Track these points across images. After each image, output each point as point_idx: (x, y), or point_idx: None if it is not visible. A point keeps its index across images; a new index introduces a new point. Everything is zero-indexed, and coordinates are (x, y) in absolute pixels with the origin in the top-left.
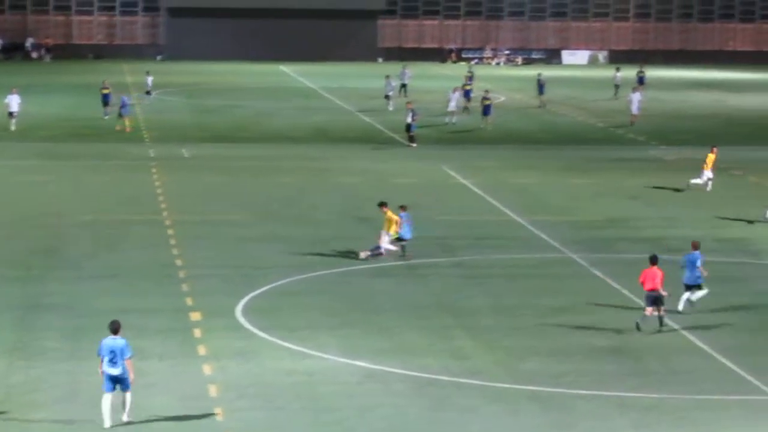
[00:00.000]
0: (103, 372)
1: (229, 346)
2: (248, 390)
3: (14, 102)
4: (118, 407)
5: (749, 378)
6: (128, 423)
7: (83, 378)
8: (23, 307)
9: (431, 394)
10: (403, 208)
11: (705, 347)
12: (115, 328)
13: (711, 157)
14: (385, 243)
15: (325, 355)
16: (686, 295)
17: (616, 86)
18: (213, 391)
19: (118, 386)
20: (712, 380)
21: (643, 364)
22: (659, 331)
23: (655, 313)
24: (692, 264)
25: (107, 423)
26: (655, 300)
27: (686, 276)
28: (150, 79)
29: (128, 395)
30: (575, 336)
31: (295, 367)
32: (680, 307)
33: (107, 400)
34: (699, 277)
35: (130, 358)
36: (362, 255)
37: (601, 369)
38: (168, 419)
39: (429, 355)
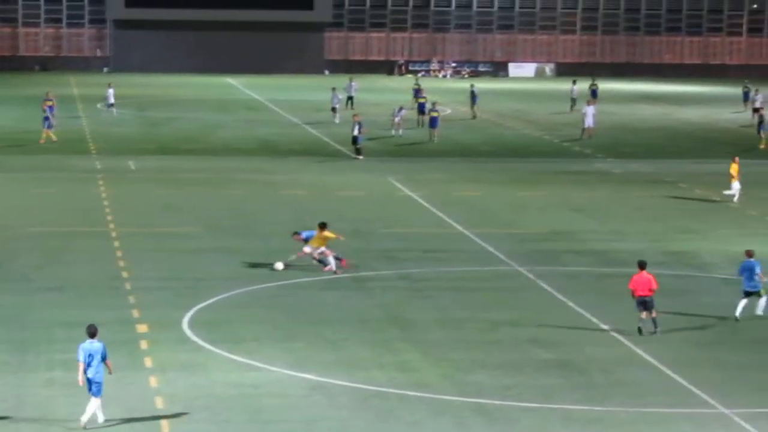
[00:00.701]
0: (86, 376)
1: (176, 358)
2: (195, 402)
3: None
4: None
5: (696, 391)
6: (84, 428)
7: (31, 390)
8: None
9: (377, 407)
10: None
11: (651, 360)
12: (92, 332)
13: (735, 167)
14: (307, 250)
15: (272, 368)
16: (744, 302)
17: (573, 99)
18: (159, 403)
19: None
20: (658, 393)
21: (588, 377)
22: (653, 333)
23: (650, 317)
24: (750, 271)
25: (101, 419)
26: (646, 304)
27: (745, 284)
28: (111, 92)
29: (93, 400)
30: (522, 349)
31: (241, 379)
32: (737, 313)
33: (94, 402)
34: (758, 284)
35: (107, 359)
36: (278, 266)
37: (547, 382)
38: (114, 431)
39: (375, 368)
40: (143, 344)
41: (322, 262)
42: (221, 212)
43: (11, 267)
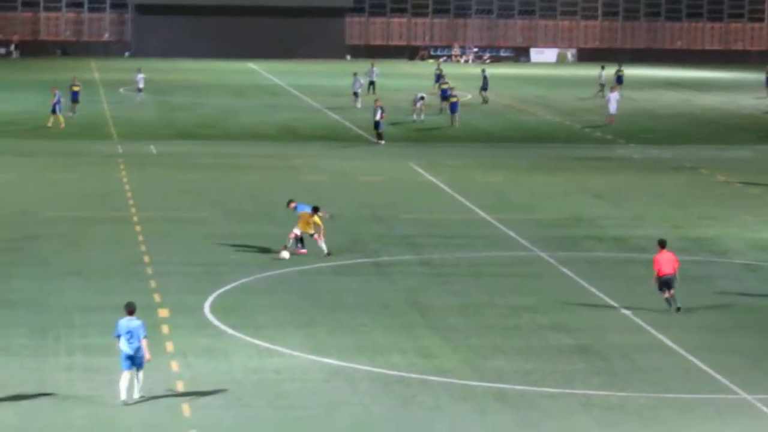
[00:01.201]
0: (121, 351)
1: (197, 343)
2: (215, 387)
3: None
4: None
5: (717, 376)
6: (140, 399)
7: (51, 375)
8: None
9: (398, 392)
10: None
11: (672, 345)
12: (131, 310)
13: None
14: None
15: (292, 353)
16: None
17: (601, 85)
18: (180, 387)
19: (133, 365)
20: (679, 379)
21: (609, 363)
22: (678, 310)
23: (672, 295)
24: None
25: (123, 396)
26: (669, 283)
27: None
28: (141, 77)
29: (141, 374)
30: (542, 334)
31: (262, 364)
32: None
33: (125, 378)
34: None
35: (145, 337)
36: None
37: (567, 367)
38: (135, 416)
39: (396, 353)
40: (164, 329)
41: (301, 242)
42: (241, 197)
43: (31, 252)
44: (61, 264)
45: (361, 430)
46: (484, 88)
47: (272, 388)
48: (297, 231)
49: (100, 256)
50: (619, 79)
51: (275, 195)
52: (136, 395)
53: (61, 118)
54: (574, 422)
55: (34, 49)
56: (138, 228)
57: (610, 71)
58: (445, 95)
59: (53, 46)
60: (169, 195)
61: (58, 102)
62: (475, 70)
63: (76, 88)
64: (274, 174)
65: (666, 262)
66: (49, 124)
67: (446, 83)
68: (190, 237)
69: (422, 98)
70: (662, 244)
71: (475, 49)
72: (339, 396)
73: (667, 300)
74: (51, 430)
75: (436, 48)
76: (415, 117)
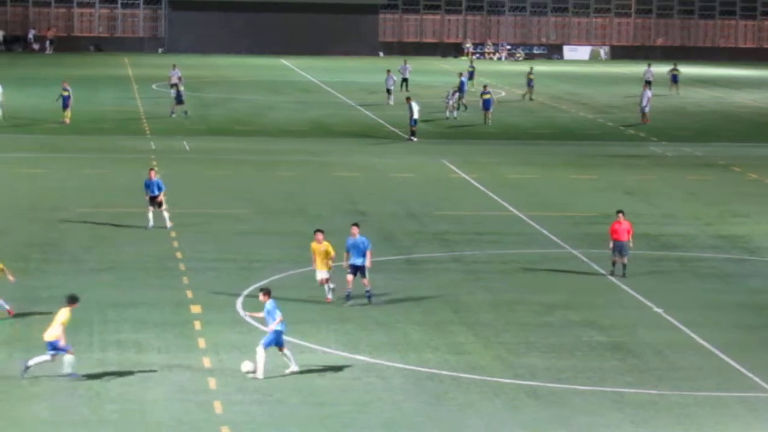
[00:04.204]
0: (273, 331)
1: (229, 339)
2: (247, 383)
3: None
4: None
5: (749, 375)
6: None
7: (81, 370)
8: (22, 300)
9: (430, 389)
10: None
11: (704, 343)
12: (267, 291)
13: None
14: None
15: (324, 349)
16: None
17: (648, 82)
18: (212, 384)
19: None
20: (711, 377)
21: (641, 360)
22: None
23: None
24: None
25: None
26: (621, 250)
27: None
28: (176, 73)
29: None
30: (574, 332)
31: (299, 360)
32: None
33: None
34: None
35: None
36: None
37: (599, 365)
38: (166, 412)
39: (428, 350)
40: (197, 325)
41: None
42: (273, 194)
43: (63, 248)
44: (93, 260)
45: (393, 427)
46: (530, 85)
47: (304, 385)
48: (323, 275)
49: (133, 253)
50: (674, 78)
51: (308, 191)
52: (294, 368)
53: (68, 113)
54: (607, 419)
55: (68, 44)
56: (171, 223)
57: (659, 69)
58: (462, 91)
59: (87, 41)
60: (201, 191)
61: (69, 96)
62: (508, 67)
63: (66, 93)
64: (307, 170)
65: (622, 231)
66: (67, 120)
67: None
68: (222, 233)
69: (455, 94)
70: (620, 213)
71: (508, 47)
72: (371, 393)
73: (614, 264)
74: (84, 424)
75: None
76: (447, 114)
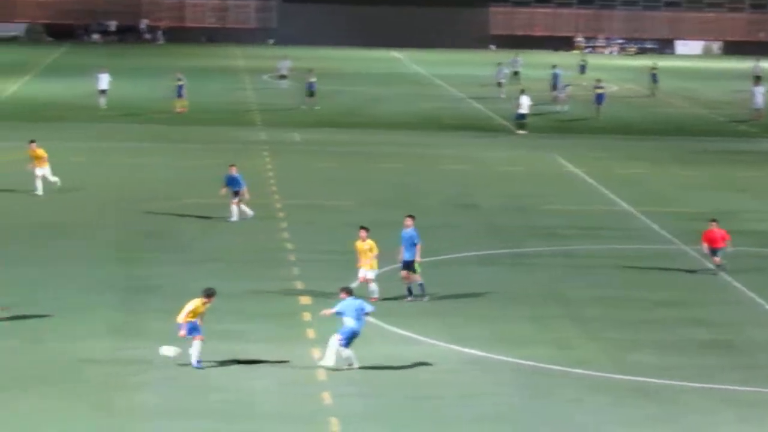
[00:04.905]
0: (348, 329)
1: (337, 330)
2: (356, 375)
3: (104, 80)
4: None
5: None
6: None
7: (187, 359)
8: (130, 289)
9: (535, 383)
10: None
11: None
12: (349, 290)
13: None
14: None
15: (431, 342)
16: None
17: (758, 77)
18: (321, 375)
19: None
20: None
21: (751, 358)
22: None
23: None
24: None
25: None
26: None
27: None
28: (286, 64)
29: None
30: (683, 329)
31: (401, 352)
32: None
33: (346, 351)
34: None
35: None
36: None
37: (708, 362)
38: (273, 402)
39: (533, 344)
40: (305, 316)
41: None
42: (383, 186)
43: (172, 237)
44: (201, 250)
45: (498, 421)
46: (654, 81)
47: (410, 377)
48: (366, 273)
49: (242, 243)
50: None
51: (416, 184)
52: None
53: (185, 102)
54: (715, 418)
55: (179, 35)
56: (280, 215)
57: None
58: (556, 85)
59: (198, 32)
60: (311, 182)
61: (183, 86)
62: (620, 61)
63: (180, 82)
64: (416, 163)
65: (717, 239)
66: (178, 110)
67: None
68: (332, 225)
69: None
70: (714, 221)
71: (620, 41)
72: (476, 386)
73: (717, 266)
74: (190, 413)
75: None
76: (558, 108)
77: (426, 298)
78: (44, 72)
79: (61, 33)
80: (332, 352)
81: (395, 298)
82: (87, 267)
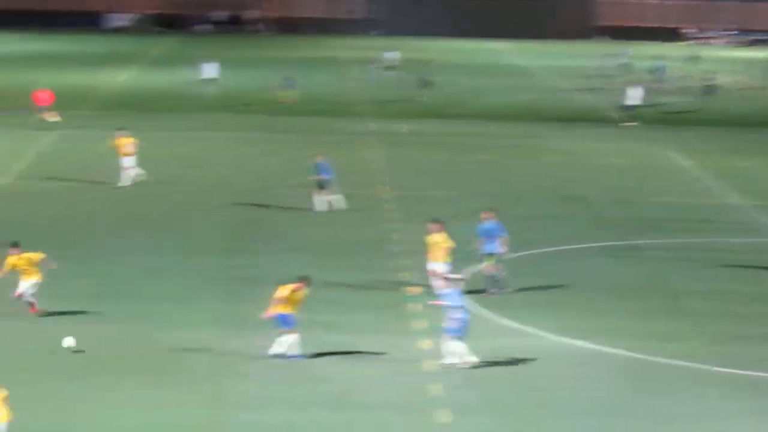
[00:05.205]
0: (458, 319)
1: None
2: (465, 367)
3: (212, 70)
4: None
5: None
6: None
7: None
8: (233, 279)
9: (643, 376)
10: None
11: None
12: (454, 281)
13: None
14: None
15: (539, 334)
16: None
17: None
18: (427, 366)
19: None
20: None
21: None
22: None
23: None
24: None
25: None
26: None
27: None
28: (391, 55)
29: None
30: None
31: (511, 344)
32: None
33: (458, 345)
34: None
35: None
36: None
37: None
38: (380, 393)
39: (641, 337)
40: (413, 307)
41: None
42: (488, 177)
43: (276, 228)
44: (307, 240)
45: (607, 413)
46: None
47: (520, 369)
48: (435, 266)
49: (348, 233)
50: None
51: (521, 175)
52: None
53: (294, 93)
54: None
55: (288, 26)
56: (386, 206)
57: None
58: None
59: (305, 23)
60: (417, 173)
61: (293, 78)
62: (731, 53)
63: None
64: (520, 154)
65: None
66: (286, 100)
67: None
68: (438, 216)
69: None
70: None
71: (731, 32)
72: (585, 378)
73: None
74: (296, 403)
75: (690, 30)
76: (665, 99)
77: (503, 290)
78: (153, 62)
79: (169, 23)
80: (451, 347)
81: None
82: (190, 257)
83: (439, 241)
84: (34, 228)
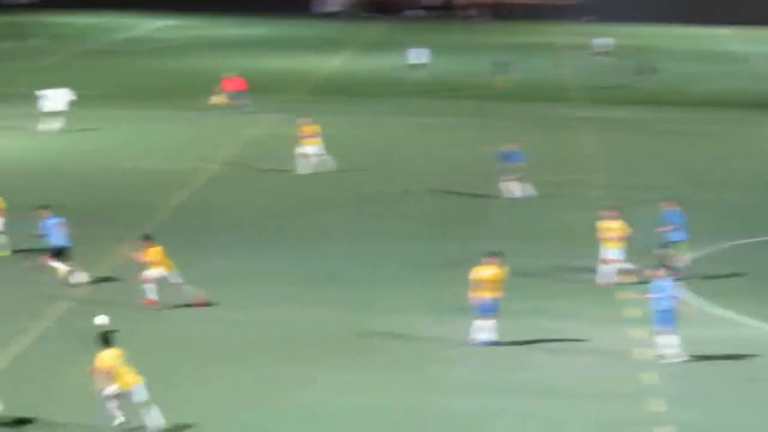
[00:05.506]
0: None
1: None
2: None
3: (421, 55)
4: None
5: None
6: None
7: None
8: (438, 265)
9: None
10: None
11: None
12: (666, 269)
13: None
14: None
15: (758, 324)
16: None
17: None
18: (638, 354)
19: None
20: None
21: None
22: None
23: None
24: None
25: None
26: None
27: None
28: (606, 41)
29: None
30: None
31: (726, 334)
32: None
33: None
34: None
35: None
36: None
37: None
38: (593, 382)
39: None
40: (624, 295)
41: None
42: (701, 165)
43: (485, 214)
44: (509, 227)
45: None
46: None
47: (735, 360)
48: (607, 253)
49: (553, 221)
50: None
51: (738, 163)
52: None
53: (508, 78)
54: None
55: (499, 11)
56: (593, 193)
57: None
58: None
59: (518, 9)
60: (631, 160)
61: (508, 63)
62: None
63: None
64: (738, 143)
65: None
66: (499, 86)
67: None
68: (648, 203)
69: None
70: None
71: None
72: None
73: None
74: (503, 389)
75: None
76: None
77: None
78: (364, 48)
79: (380, 9)
80: (663, 340)
81: (717, 277)
82: (398, 242)
83: (614, 228)
84: (238, 212)
